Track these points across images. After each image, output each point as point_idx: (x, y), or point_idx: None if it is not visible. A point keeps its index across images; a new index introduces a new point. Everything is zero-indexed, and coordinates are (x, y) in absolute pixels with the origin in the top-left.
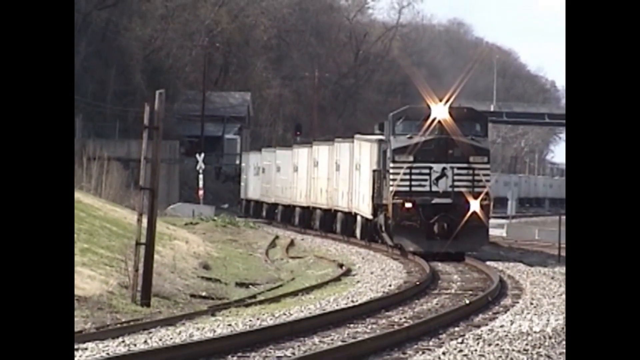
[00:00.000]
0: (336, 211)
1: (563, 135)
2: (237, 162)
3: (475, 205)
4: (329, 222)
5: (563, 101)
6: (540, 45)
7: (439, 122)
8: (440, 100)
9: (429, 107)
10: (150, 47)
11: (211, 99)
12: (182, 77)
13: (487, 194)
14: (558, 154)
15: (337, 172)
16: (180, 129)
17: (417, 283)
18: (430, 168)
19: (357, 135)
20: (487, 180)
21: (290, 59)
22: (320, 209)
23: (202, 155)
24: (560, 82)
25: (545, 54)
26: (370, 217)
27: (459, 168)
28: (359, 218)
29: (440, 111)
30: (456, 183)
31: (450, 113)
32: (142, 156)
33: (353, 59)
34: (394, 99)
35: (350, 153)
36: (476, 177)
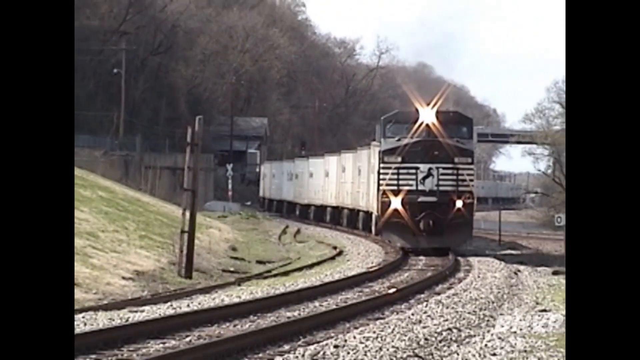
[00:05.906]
0: (358, 211)
1: (503, 150)
2: (257, 170)
3: (459, 203)
4: (354, 220)
5: (502, 124)
6: (486, 81)
7: (427, 125)
8: (428, 105)
9: (417, 112)
10: (192, 83)
11: (237, 122)
12: (216, 106)
13: (470, 192)
14: (498, 164)
15: (359, 176)
16: (214, 145)
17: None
18: (417, 168)
19: (373, 142)
20: (471, 180)
21: (297, 93)
22: (347, 208)
23: (231, 165)
24: (500, 109)
25: (490, 88)
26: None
27: (444, 168)
28: (373, 216)
29: (428, 115)
30: (441, 182)
31: (437, 117)
32: (186, 165)
33: (344, 92)
34: (376, 123)
35: (368, 158)
36: (460, 177)
